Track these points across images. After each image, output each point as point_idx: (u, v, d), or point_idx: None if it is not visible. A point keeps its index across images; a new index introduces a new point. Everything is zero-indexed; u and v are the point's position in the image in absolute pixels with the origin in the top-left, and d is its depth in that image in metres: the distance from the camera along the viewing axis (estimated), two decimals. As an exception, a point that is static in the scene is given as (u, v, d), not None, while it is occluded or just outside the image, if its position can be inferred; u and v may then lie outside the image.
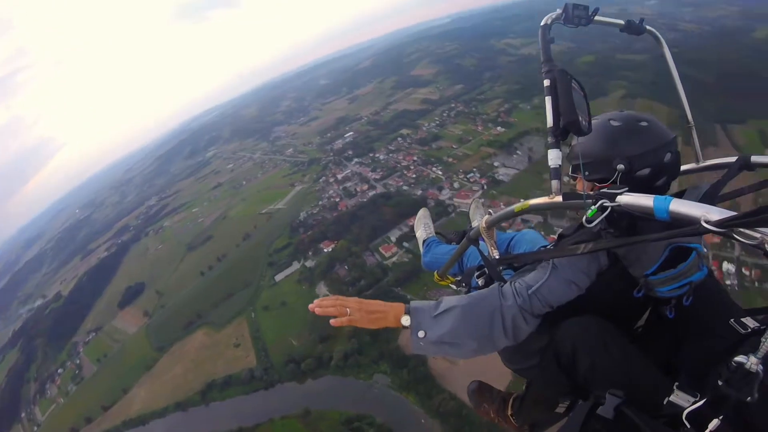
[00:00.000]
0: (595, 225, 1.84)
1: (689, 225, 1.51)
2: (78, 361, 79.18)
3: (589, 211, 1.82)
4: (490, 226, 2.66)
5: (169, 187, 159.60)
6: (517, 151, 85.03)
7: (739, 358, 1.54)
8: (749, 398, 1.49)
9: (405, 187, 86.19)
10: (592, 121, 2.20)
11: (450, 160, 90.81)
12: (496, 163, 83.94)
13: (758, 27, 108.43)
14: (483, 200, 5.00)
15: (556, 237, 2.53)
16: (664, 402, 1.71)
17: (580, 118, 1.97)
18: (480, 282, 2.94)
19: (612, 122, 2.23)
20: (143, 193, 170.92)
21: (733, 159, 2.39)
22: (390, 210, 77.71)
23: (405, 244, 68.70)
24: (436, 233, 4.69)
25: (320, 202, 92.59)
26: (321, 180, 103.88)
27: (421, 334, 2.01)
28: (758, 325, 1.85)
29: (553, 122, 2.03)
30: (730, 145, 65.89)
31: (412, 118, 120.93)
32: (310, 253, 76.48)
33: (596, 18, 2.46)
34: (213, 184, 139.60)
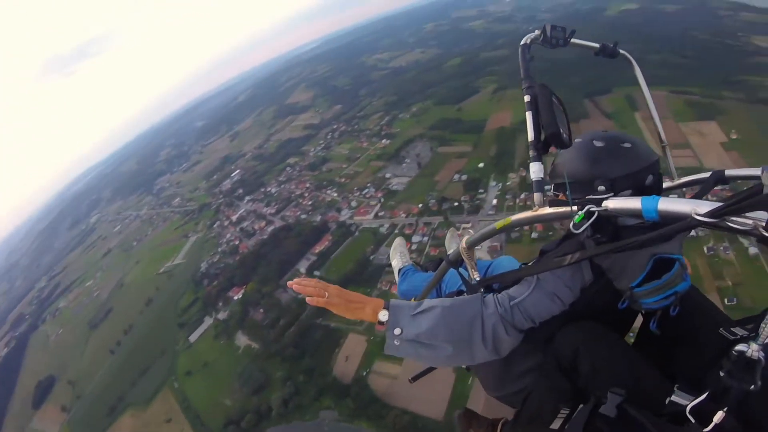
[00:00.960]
0: (582, 231, 1.87)
1: (680, 221, 1.53)
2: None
3: (576, 216, 1.86)
4: (471, 246, 2.64)
5: (57, 264, 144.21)
6: (406, 159, 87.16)
7: (740, 347, 1.54)
8: (753, 387, 1.49)
9: (303, 216, 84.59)
10: (576, 141, 2.25)
11: (343, 180, 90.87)
12: (387, 175, 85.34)
13: (608, 7, 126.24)
14: (459, 230, 5.06)
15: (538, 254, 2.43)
16: (666, 402, 1.71)
17: (562, 131, 2.03)
18: None
19: (595, 143, 2.20)
20: (31, 275, 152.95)
21: (707, 174, 2.38)
22: (293, 242, 75.71)
23: (316, 272, 67.16)
24: (413, 262, 4.63)
25: (219, 249, 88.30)
26: (215, 225, 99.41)
27: (397, 331, 1.97)
28: (747, 333, 1.81)
29: (534, 136, 2.08)
30: (600, 114, 72.26)
31: (297, 145, 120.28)
32: (220, 304, 72.31)
33: (572, 40, 2.47)
34: (102, 252, 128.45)
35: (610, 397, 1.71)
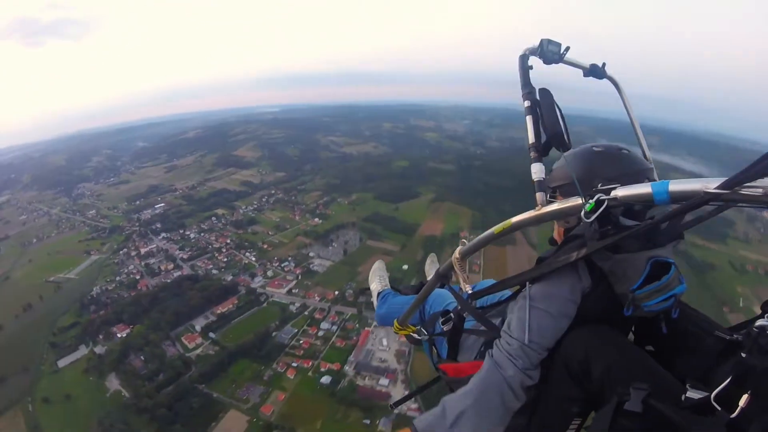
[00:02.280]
0: (591, 226, 1.92)
1: (691, 199, 1.55)
2: None
3: (587, 205, 1.88)
4: (465, 256, 2.58)
5: None
6: (333, 243, 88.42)
7: (761, 322, 1.54)
8: None
9: (215, 271, 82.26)
10: (573, 150, 2.37)
11: (265, 246, 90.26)
12: (311, 254, 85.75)
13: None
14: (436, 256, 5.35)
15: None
16: (683, 398, 1.68)
17: (563, 131, 2.16)
18: (444, 327, 2.92)
19: (594, 148, 2.35)
20: None
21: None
22: (197, 295, 72.41)
23: (211, 334, 64.62)
24: (392, 287, 4.59)
25: (118, 278, 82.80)
26: (122, 252, 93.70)
27: None
28: (743, 336, 1.81)
29: (535, 138, 2.17)
30: (525, 242, 76.53)
31: (229, 198, 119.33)
32: (100, 336, 66.60)
33: (566, 57, 2.62)
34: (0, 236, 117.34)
35: (634, 393, 1.69)
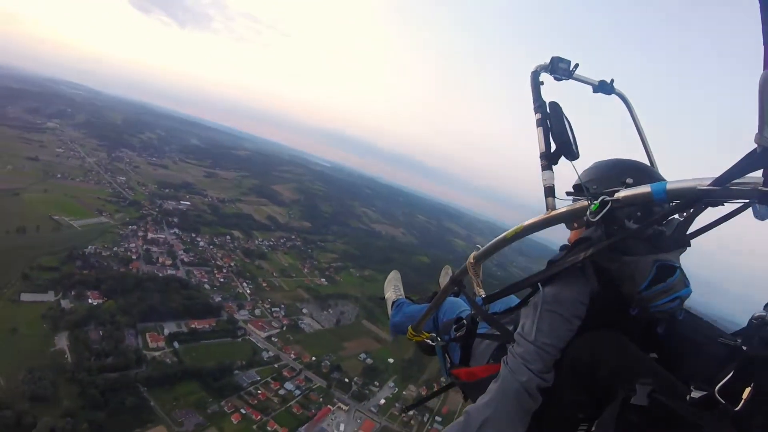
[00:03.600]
0: (597, 226, 2.08)
1: (687, 197, 1.69)
2: None
3: (592, 205, 1.99)
4: (479, 260, 2.67)
5: None
6: (330, 309, 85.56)
7: (759, 314, 1.60)
8: None
9: (207, 286, 79.90)
10: (606, 159, 2.53)
11: (264, 284, 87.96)
12: (305, 310, 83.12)
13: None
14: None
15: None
16: (687, 398, 1.71)
17: (572, 142, 2.27)
18: (457, 334, 2.95)
19: (619, 158, 2.48)
20: None
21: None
22: (179, 299, 69.96)
23: (176, 344, 61.58)
24: (406, 297, 4.61)
25: (115, 248, 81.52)
26: (130, 227, 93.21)
27: None
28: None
29: (546, 147, 2.30)
30: None
31: (251, 225, 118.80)
32: (72, 293, 64.37)
33: (575, 74, 2.77)
34: (31, 154, 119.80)
35: (640, 389, 1.73)
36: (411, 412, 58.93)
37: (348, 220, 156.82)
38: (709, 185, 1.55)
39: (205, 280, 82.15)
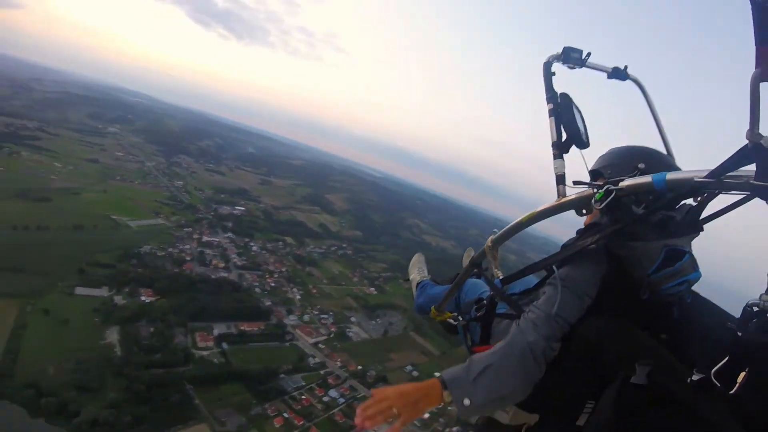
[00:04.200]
0: (603, 213, 2.18)
1: (685, 187, 1.76)
2: None
3: (597, 194, 2.07)
4: (496, 244, 2.84)
5: (53, 125, 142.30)
6: (378, 319, 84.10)
7: (751, 301, 1.64)
8: None
9: (258, 290, 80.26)
10: (622, 146, 2.57)
11: (314, 291, 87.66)
12: (353, 319, 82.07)
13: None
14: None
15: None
16: (686, 380, 1.76)
17: (581, 131, 2.40)
18: (478, 314, 3.10)
19: (634, 145, 2.50)
20: (30, 110, 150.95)
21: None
22: (230, 302, 70.66)
23: (224, 345, 61.95)
24: (430, 277, 4.73)
25: (170, 249, 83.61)
26: (186, 229, 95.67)
27: (466, 402, 2.08)
28: None
29: (557, 137, 2.40)
30: None
31: (303, 233, 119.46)
32: (126, 290, 66.14)
33: (588, 62, 2.80)
34: (92, 157, 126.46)
35: (639, 369, 1.81)
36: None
37: (398, 231, 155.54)
38: (704, 177, 1.61)
39: (256, 283, 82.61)
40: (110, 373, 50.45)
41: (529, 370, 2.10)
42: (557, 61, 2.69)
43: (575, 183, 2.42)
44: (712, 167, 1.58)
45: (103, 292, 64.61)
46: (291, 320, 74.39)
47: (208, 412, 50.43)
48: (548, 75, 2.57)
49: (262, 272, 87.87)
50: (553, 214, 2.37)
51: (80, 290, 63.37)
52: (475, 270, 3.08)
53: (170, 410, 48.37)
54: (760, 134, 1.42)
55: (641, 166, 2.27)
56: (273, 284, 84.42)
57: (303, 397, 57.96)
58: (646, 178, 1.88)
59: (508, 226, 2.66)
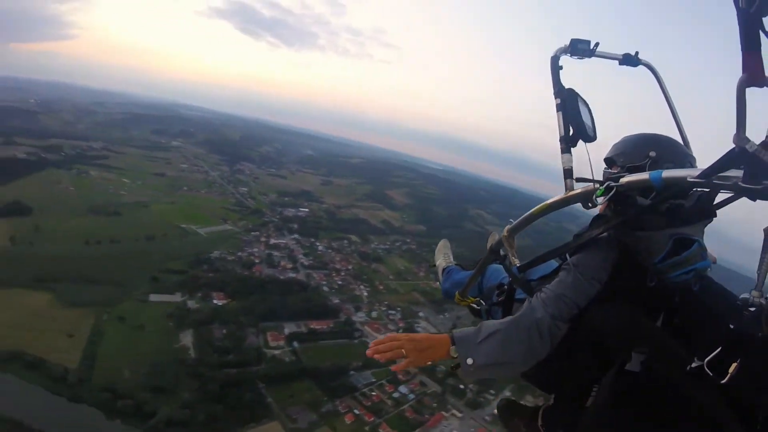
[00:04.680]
0: (606, 206, 2.29)
1: (680, 185, 1.84)
2: None
3: (597, 191, 2.18)
4: (512, 233, 3.07)
5: (120, 144, 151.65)
6: (446, 314, 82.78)
7: (743, 296, 1.69)
8: (760, 333, 1.58)
9: (325, 288, 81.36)
10: (635, 134, 2.61)
11: (381, 287, 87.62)
12: (421, 313, 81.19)
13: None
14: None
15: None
16: (685, 368, 1.80)
17: (586, 126, 2.52)
18: (499, 299, 3.20)
19: (647, 132, 2.54)
20: (95, 132, 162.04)
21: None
22: (299, 301, 71.96)
23: (295, 343, 63.04)
24: (455, 263, 4.89)
25: (239, 253, 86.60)
26: (253, 233, 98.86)
27: (469, 361, 2.18)
28: None
29: (564, 131, 2.49)
30: None
31: (366, 230, 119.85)
32: (198, 294, 69.24)
33: (597, 51, 2.84)
34: (158, 171, 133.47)
35: (634, 356, 1.91)
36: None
37: (461, 223, 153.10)
38: (696, 177, 1.67)
39: (324, 282, 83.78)
40: (184, 374, 52.57)
41: (533, 344, 2.19)
42: (565, 54, 2.73)
43: (578, 180, 2.50)
44: (705, 167, 1.63)
45: (176, 297, 67.64)
46: (359, 317, 74.74)
47: (280, 409, 51.42)
48: (556, 69, 2.64)
49: (329, 271, 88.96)
50: (560, 207, 2.52)
51: (154, 297, 66.63)
52: (496, 257, 3.25)
53: (243, 409, 49.69)
54: (746, 138, 1.46)
55: (652, 154, 2.34)
56: (340, 282, 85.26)
57: (373, 393, 58.02)
58: (644, 175, 1.96)
59: (522, 217, 2.83)
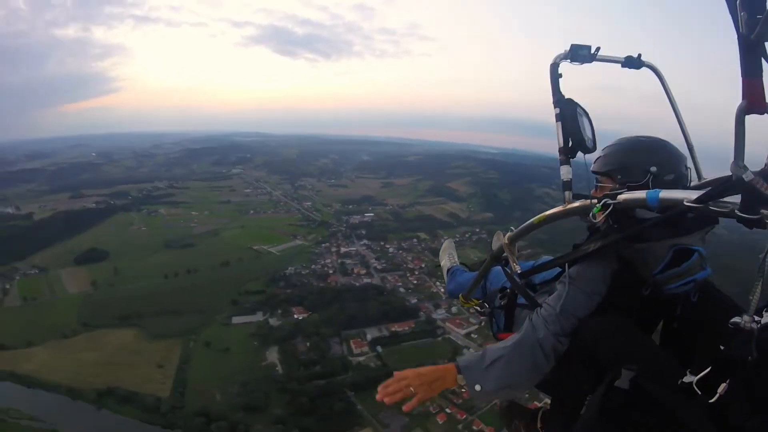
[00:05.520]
0: (604, 222, 2.21)
1: (676, 207, 1.82)
2: (7, 287, 76.77)
3: (594, 208, 2.19)
4: (512, 241, 3.08)
5: (183, 180, 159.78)
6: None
7: (734, 319, 1.68)
8: (749, 357, 1.57)
9: (402, 289, 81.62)
10: (619, 139, 2.59)
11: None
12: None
13: None
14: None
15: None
16: (679, 383, 1.81)
17: (585, 138, 2.51)
18: (501, 303, 3.20)
19: (640, 138, 2.52)
20: (157, 173, 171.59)
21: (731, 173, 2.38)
22: (377, 306, 72.66)
23: (378, 348, 63.53)
24: (460, 263, 4.83)
25: (313, 266, 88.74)
26: (323, 245, 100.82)
27: (477, 387, 2.23)
28: None
29: (563, 143, 2.48)
30: None
31: (434, 225, 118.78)
32: (279, 311, 71.49)
33: (599, 55, 2.79)
34: (223, 199, 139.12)
35: (624, 373, 1.91)
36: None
37: (529, 204, 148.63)
38: (694, 201, 1.67)
39: (399, 284, 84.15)
40: (274, 390, 54.00)
41: (537, 363, 2.23)
42: (565, 60, 2.65)
43: (575, 196, 2.49)
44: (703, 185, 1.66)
45: (257, 317, 70.13)
46: (439, 314, 74.08)
47: (371, 416, 51.67)
48: (555, 77, 2.58)
49: (403, 272, 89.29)
50: (560, 218, 2.50)
51: (236, 319, 69.33)
52: (498, 263, 3.28)
53: (335, 419, 50.40)
54: (744, 167, 1.45)
55: (653, 170, 2.29)
56: (415, 282, 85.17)
57: (463, 390, 56.88)
58: (641, 194, 1.96)
59: (523, 225, 2.82)
